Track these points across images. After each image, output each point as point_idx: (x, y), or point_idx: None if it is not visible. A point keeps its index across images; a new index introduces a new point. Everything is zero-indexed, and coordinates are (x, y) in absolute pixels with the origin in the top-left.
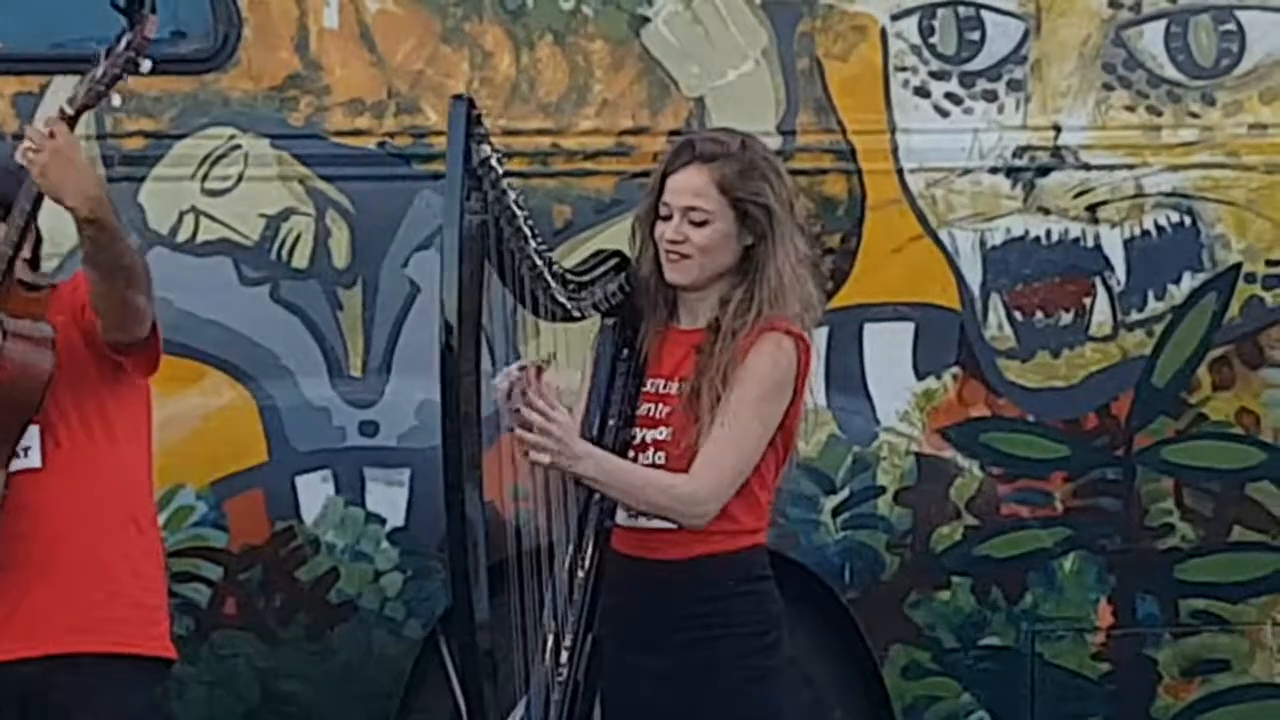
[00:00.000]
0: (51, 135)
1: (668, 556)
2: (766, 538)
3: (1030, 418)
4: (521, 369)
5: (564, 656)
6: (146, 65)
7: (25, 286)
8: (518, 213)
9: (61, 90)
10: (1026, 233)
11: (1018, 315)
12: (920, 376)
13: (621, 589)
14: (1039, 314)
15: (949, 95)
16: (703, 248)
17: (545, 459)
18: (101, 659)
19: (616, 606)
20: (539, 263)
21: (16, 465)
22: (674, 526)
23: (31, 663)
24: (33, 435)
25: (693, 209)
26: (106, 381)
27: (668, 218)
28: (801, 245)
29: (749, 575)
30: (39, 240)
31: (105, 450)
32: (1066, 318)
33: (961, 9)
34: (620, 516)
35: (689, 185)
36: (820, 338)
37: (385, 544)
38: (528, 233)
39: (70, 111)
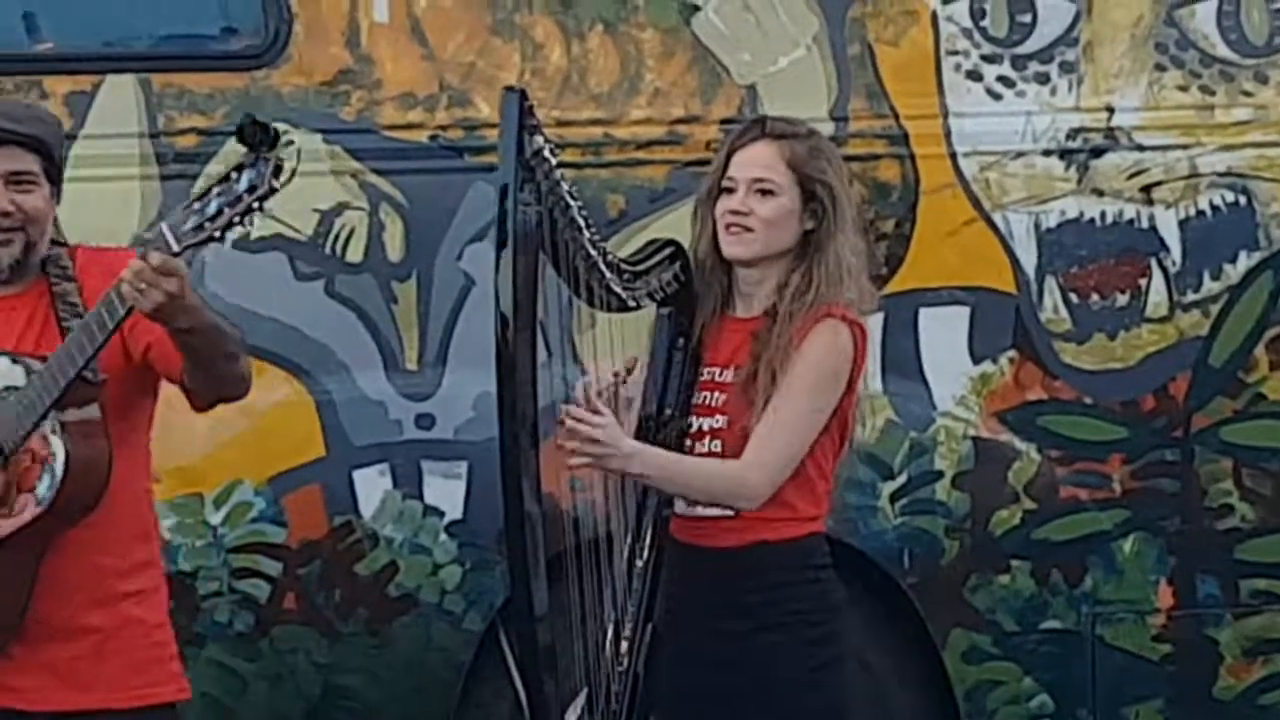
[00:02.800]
0: (159, 270)
1: (726, 544)
2: (825, 525)
3: (1087, 400)
4: (615, 375)
5: (624, 647)
6: (268, 208)
7: (85, 383)
8: (571, 203)
9: (114, 92)
10: (1081, 215)
11: (1073, 297)
12: (976, 360)
13: (681, 578)
14: (1095, 296)
15: (1001, 78)
16: (767, 220)
17: (588, 463)
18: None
19: (676, 595)
20: (593, 253)
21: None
22: (732, 514)
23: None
24: None
25: (761, 180)
26: (138, 393)
27: (731, 191)
28: (858, 241)
29: (808, 563)
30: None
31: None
32: (1122, 299)
33: None
34: (679, 505)
35: (758, 158)
36: (876, 323)
37: (444, 537)
38: (582, 223)
39: (176, 249)
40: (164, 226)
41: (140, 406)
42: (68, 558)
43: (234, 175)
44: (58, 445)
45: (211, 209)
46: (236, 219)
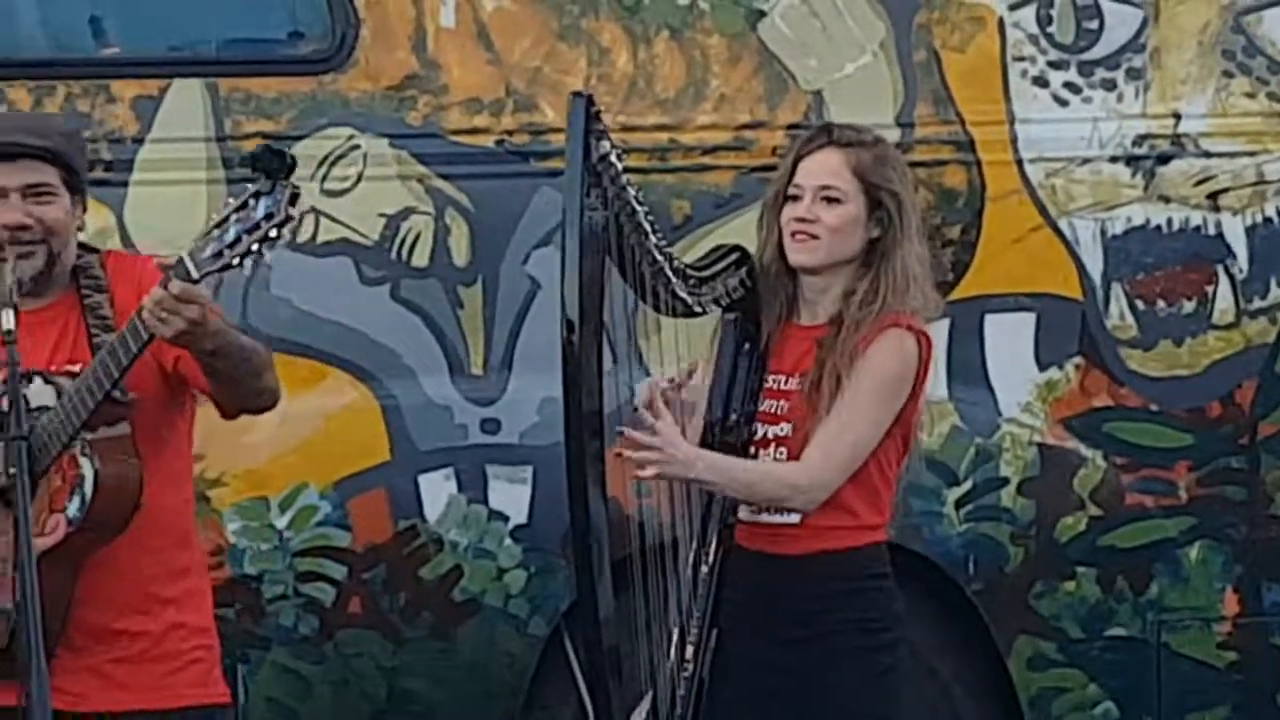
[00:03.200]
0: (179, 298)
1: (789, 551)
2: (887, 534)
3: (1153, 407)
4: (670, 381)
5: (689, 652)
6: (286, 238)
7: (113, 403)
8: (637, 208)
9: (181, 96)
10: (1147, 221)
11: (1139, 304)
12: (1042, 367)
13: (744, 584)
14: (1161, 303)
15: (1068, 84)
16: (833, 228)
17: (650, 472)
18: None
19: (739, 601)
20: (659, 258)
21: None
22: (796, 521)
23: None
24: None
25: (827, 188)
26: (173, 405)
27: (798, 198)
28: (923, 249)
29: (869, 572)
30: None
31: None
32: (1189, 306)
33: None
34: (743, 512)
35: (825, 165)
36: (941, 330)
37: (508, 541)
38: (647, 228)
39: (196, 276)
40: (184, 254)
41: (176, 419)
42: (107, 566)
43: (251, 203)
44: (87, 466)
45: (230, 236)
46: (255, 246)
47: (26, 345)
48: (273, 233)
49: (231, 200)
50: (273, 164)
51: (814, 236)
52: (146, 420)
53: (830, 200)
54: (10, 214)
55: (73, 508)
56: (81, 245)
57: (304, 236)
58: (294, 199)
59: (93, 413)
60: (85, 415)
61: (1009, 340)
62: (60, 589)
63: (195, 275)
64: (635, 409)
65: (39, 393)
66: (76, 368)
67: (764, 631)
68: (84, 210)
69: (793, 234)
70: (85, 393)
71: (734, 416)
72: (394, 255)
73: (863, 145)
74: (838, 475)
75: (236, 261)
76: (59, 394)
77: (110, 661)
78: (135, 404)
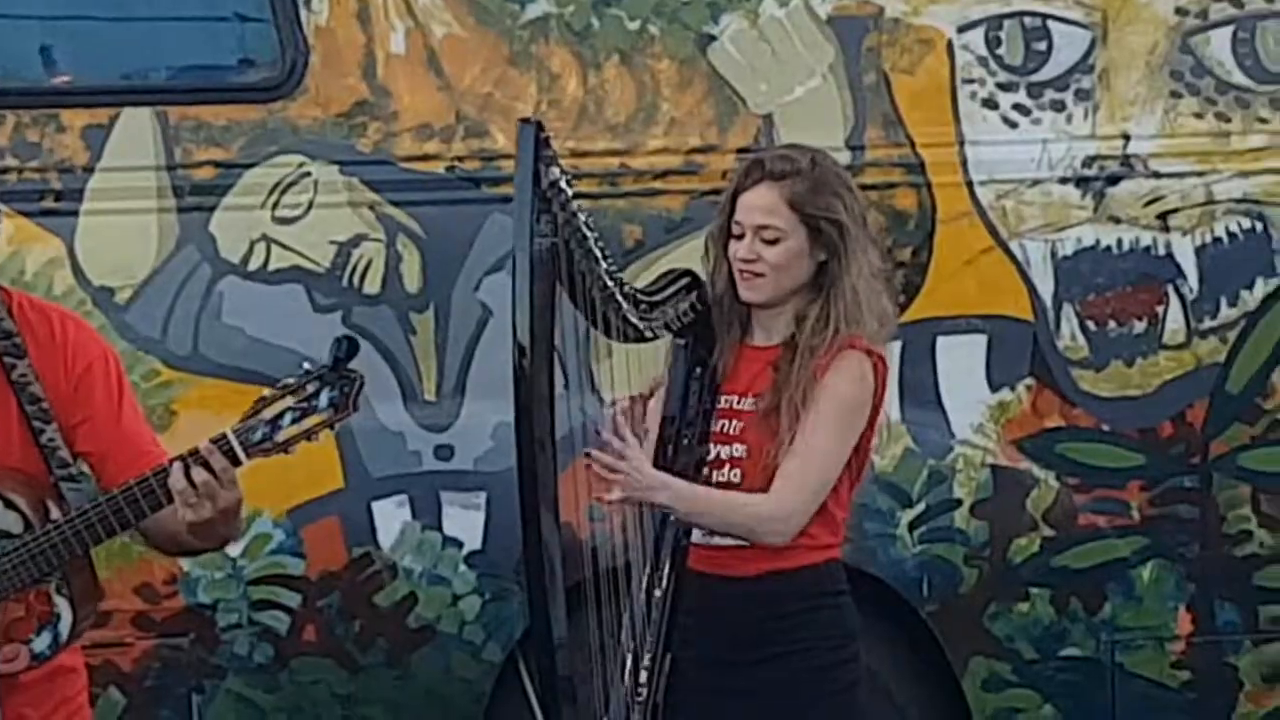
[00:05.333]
0: (222, 481)
1: (743, 573)
2: (841, 552)
3: (1105, 427)
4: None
5: (643, 677)
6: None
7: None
8: (588, 234)
9: (130, 124)
10: (1097, 242)
11: (1090, 325)
12: (994, 388)
13: (699, 607)
14: (1112, 323)
15: (1017, 106)
16: (776, 265)
17: (618, 494)
18: None
19: (694, 624)
20: (610, 284)
21: None
22: (748, 543)
23: None
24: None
25: (765, 227)
26: None
27: (740, 236)
28: (875, 259)
29: (825, 590)
30: None
31: None
32: (1139, 326)
33: (1028, 20)
34: (696, 535)
35: (760, 203)
36: (894, 351)
37: (463, 567)
38: (598, 254)
39: (245, 460)
40: (230, 433)
41: None
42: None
43: (311, 388)
44: (64, 606)
45: (286, 421)
46: (311, 434)
47: None
48: (334, 425)
49: (289, 380)
50: (341, 358)
51: (759, 275)
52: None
53: (769, 240)
54: None
55: (41, 643)
56: None
57: (256, 264)
58: (360, 390)
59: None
60: (59, 564)
61: (961, 362)
62: None
63: (243, 459)
64: (598, 433)
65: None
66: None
67: (721, 653)
68: None
69: (739, 272)
70: (63, 544)
71: (686, 439)
72: (346, 282)
73: (797, 175)
74: (809, 505)
75: (282, 449)
76: (26, 524)
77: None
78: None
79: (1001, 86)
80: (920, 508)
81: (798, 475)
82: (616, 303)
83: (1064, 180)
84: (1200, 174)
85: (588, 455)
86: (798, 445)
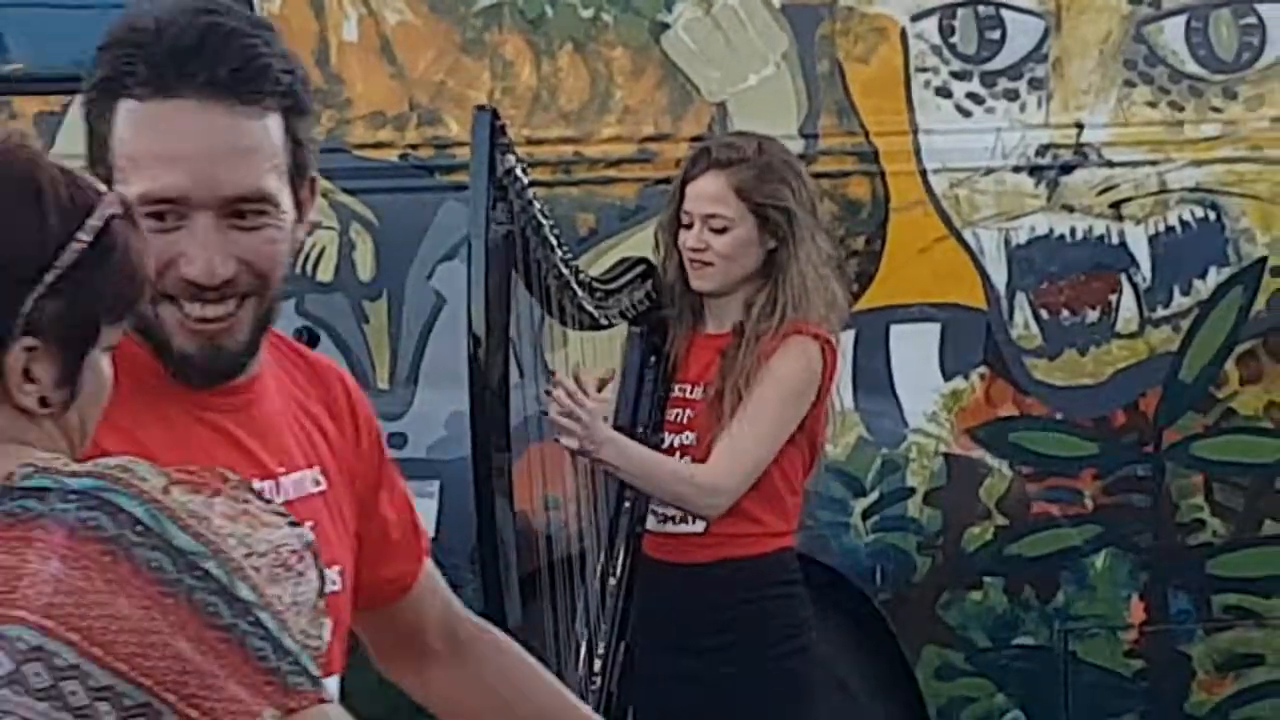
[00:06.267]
0: None
1: (696, 560)
2: (794, 541)
3: (1059, 416)
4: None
5: (597, 665)
6: None
7: None
8: (543, 222)
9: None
10: (1051, 231)
11: (1044, 314)
12: (948, 377)
13: (652, 594)
14: (1065, 312)
15: (970, 95)
16: (725, 254)
17: (573, 444)
18: None
19: (647, 611)
20: (565, 272)
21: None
22: (701, 530)
23: None
24: None
25: (712, 216)
26: None
27: (689, 225)
28: (824, 245)
29: (777, 579)
30: None
31: None
32: (1093, 315)
33: (981, 8)
34: (650, 522)
35: (707, 192)
36: (846, 340)
37: None
38: (553, 242)
39: None
40: None
41: None
42: None
43: None
44: None
45: None
46: None
47: None
48: None
49: None
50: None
51: (708, 264)
52: None
53: (717, 229)
54: None
55: None
56: None
57: None
58: None
59: None
60: None
61: (914, 350)
62: None
63: None
64: (558, 384)
65: None
66: None
67: (674, 640)
68: None
69: (689, 261)
70: None
71: (641, 428)
72: (298, 270)
73: (744, 163)
74: (741, 481)
75: None
76: None
77: None
78: None
79: (955, 75)
80: (873, 496)
81: (732, 450)
82: (572, 290)
83: (1017, 169)
84: (1154, 163)
85: (548, 394)
86: (733, 425)
